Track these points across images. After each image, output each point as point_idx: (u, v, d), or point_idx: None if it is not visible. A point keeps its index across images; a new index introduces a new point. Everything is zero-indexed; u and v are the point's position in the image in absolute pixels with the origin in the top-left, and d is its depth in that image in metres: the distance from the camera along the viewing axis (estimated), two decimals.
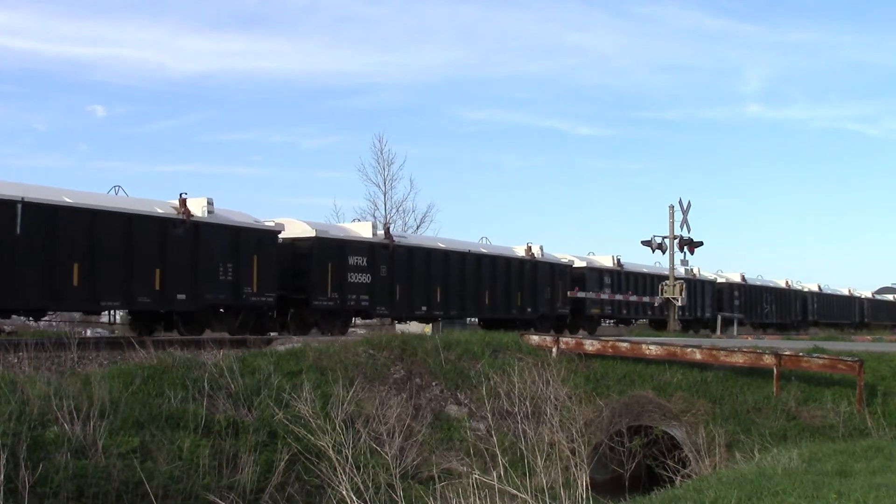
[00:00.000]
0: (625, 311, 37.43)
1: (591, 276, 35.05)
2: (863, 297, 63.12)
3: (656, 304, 37.61)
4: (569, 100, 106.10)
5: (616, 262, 36.62)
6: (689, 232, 37.87)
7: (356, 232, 24.59)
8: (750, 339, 30.41)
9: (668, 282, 36.31)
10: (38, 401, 10.64)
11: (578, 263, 34.77)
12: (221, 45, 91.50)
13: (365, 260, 23.87)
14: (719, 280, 43.38)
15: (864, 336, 35.83)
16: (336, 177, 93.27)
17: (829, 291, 56.87)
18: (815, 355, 16.56)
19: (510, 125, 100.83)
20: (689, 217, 37.58)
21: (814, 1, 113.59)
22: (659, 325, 39.60)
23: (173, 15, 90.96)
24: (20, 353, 13.50)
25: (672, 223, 36.76)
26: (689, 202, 37.73)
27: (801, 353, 16.77)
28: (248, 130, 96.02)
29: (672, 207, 36.96)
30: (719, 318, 40.31)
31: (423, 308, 26.02)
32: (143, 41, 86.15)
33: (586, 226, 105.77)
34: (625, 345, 18.15)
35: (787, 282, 50.70)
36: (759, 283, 47.26)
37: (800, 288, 51.98)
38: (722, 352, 17.17)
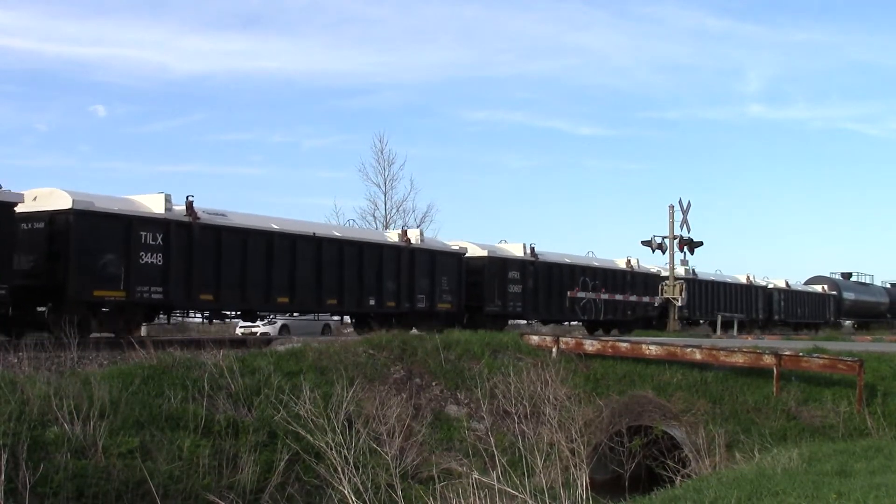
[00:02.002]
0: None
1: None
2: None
3: (656, 304, 36.43)
4: (570, 100, 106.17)
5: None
6: (689, 232, 37.95)
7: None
8: (750, 339, 30.42)
9: (668, 282, 36.31)
10: (38, 401, 10.64)
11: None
12: (222, 45, 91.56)
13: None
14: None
15: (864, 336, 35.86)
16: (337, 177, 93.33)
17: (799, 288, 52.56)
18: (815, 355, 16.57)
19: (511, 125, 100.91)
20: (689, 217, 37.66)
21: (815, 1, 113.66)
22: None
23: (174, 15, 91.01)
24: (20, 353, 13.50)
25: (672, 223, 36.82)
26: (689, 202, 37.79)
27: (801, 353, 16.78)
28: (249, 130, 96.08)
29: (672, 207, 37.03)
30: (719, 318, 40.26)
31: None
32: (144, 41, 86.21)
33: (587, 226, 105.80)
34: (625, 345, 18.18)
35: (748, 277, 45.94)
36: (712, 278, 42.71)
37: (763, 284, 47.09)
38: (722, 352, 17.18)
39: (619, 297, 34.73)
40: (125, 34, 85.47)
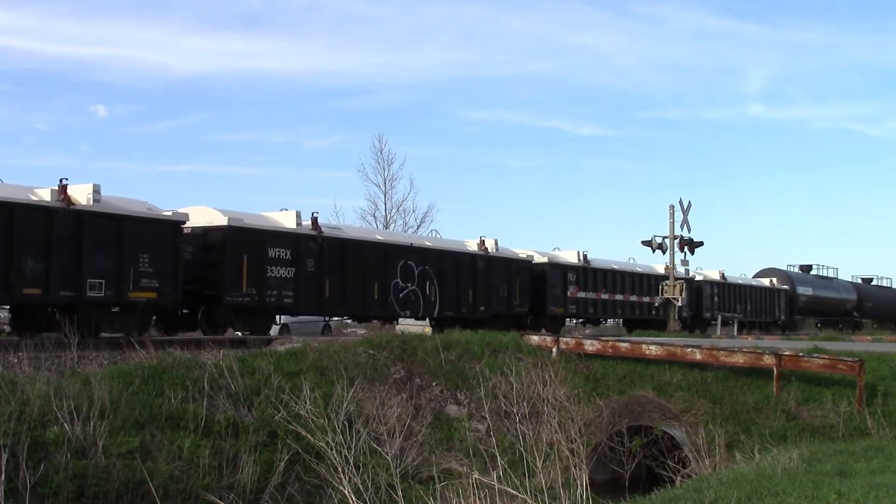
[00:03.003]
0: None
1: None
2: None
3: (656, 304, 36.97)
4: (570, 100, 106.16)
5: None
6: (689, 232, 37.88)
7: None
8: (750, 339, 30.43)
9: (668, 282, 36.27)
10: (38, 401, 10.64)
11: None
12: (223, 45, 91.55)
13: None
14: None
15: (864, 336, 35.86)
16: (338, 177, 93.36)
17: (739, 281, 44.73)
18: (816, 355, 16.58)
19: (512, 125, 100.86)
20: (689, 217, 37.57)
21: (816, 1, 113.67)
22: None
23: (175, 15, 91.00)
24: (20, 353, 13.50)
25: (672, 223, 36.76)
26: (690, 202, 37.68)
27: (801, 353, 16.79)
28: (250, 130, 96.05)
29: (672, 207, 36.97)
30: (719, 317, 40.23)
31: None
32: (145, 41, 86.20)
33: (587, 226, 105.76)
34: (625, 345, 18.18)
35: (666, 267, 37.92)
36: (614, 266, 36.49)
37: (693, 276, 39.95)
38: (722, 352, 17.19)
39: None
40: (126, 34, 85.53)
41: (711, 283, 41.18)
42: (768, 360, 16.38)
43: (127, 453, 10.38)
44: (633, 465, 14.10)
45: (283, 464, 11.41)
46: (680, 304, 36.37)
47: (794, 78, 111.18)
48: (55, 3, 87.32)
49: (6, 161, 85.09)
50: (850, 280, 60.51)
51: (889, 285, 66.51)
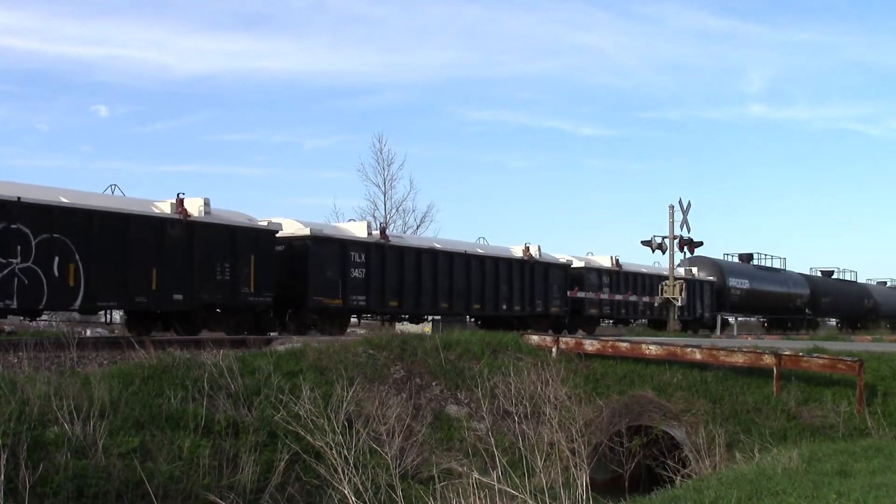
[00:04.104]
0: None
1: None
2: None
3: (656, 304, 37.56)
4: (571, 100, 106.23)
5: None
6: (688, 232, 37.89)
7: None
8: (750, 339, 30.44)
9: (668, 282, 36.28)
10: (38, 401, 10.63)
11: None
12: (224, 45, 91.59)
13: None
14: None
15: (864, 336, 35.87)
16: (338, 177, 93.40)
17: (640, 269, 38.05)
18: (815, 355, 16.58)
19: (512, 125, 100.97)
20: (689, 217, 37.58)
21: (817, 1, 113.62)
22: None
23: (176, 15, 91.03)
24: (20, 353, 13.50)
25: (672, 223, 36.78)
26: (689, 202, 37.67)
27: (801, 353, 16.79)
28: (251, 130, 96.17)
29: (672, 207, 36.98)
30: (719, 317, 40.27)
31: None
32: (146, 41, 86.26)
33: (588, 226, 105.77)
34: (625, 345, 18.16)
35: (526, 247, 31.73)
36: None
37: (561, 260, 33.61)
38: (722, 352, 17.19)
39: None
40: (127, 34, 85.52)
41: (599, 270, 35.32)
42: (768, 359, 16.38)
43: (127, 453, 10.38)
44: (633, 465, 14.09)
45: (282, 464, 11.41)
46: (680, 303, 36.43)
47: (794, 78, 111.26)
48: (56, 4, 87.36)
49: (7, 161, 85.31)
50: (803, 272, 53.51)
51: (854, 279, 60.53)
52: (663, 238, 38.20)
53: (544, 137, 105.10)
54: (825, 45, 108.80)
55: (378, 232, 25.56)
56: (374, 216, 42.84)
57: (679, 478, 11.50)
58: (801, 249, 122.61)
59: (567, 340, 18.98)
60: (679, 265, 41.08)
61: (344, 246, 24.02)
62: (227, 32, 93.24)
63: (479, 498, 8.05)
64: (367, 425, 12.83)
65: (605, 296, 35.09)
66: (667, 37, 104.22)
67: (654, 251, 38.77)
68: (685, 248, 38.99)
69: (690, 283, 40.01)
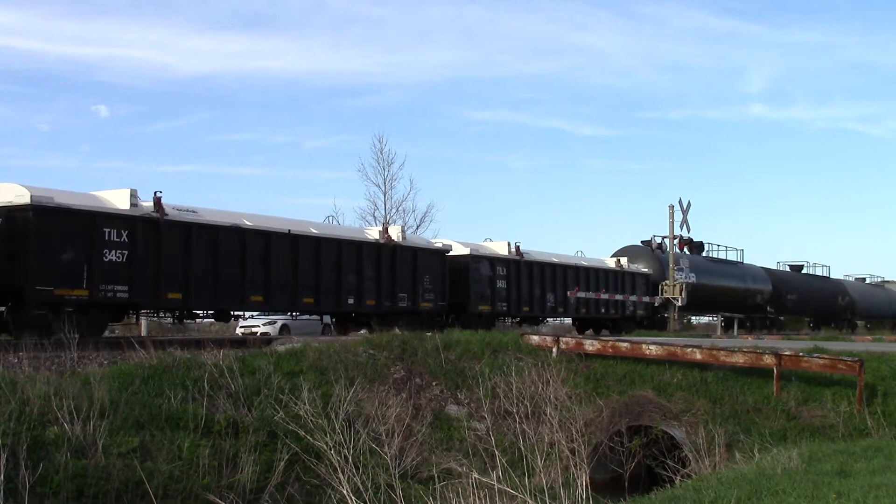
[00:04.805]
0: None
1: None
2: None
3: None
4: (572, 100, 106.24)
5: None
6: (688, 232, 37.92)
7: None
8: (750, 339, 30.43)
9: (668, 282, 36.24)
10: (38, 401, 10.64)
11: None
12: (225, 45, 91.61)
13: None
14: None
15: (864, 336, 35.87)
16: (338, 177, 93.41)
17: (547, 259, 32.61)
18: (816, 355, 16.57)
19: (513, 125, 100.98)
20: (690, 217, 37.58)
21: (817, 1, 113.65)
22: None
23: (177, 15, 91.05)
24: (20, 353, 13.51)
25: (672, 223, 36.78)
26: (689, 202, 37.63)
27: (801, 353, 16.78)
28: (251, 130, 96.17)
29: (672, 207, 36.97)
30: (719, 317, 40.15)
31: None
32: (146, 41, 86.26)
33: (588, 226, 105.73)
34: (625, 345, 18.18)
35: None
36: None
37: (437, 246, 28.18)
38: (722, 352, 17.18)
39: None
40: (128, 34, 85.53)
41: (492, 259, 29.58)
42: (768, 359, 16.37)
43: (127, 453, 10.38)
44: (633, 464, 14.08)
45: (282, 464, 11.41)
46: (670, 302, 36.31)
47: (795, 78, 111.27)
48: (56, 4, 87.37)
49: (8, 162, 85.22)
50: (766, 266, 48.11)
51: (826, 274, 54.38)
52: (663, 238, 38.22)
53: (545, 137, 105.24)
54: (826, 45, 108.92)
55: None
56: (374, 216, 42.81)
57: (679, 478, 11.50)
58: (802, 250, 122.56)
59: (567, 340, 18.99)
60: (616, 254, 38.04)
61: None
62: (227, 32, 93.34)
63: (478, 498, 8.04)
64: (367, 425, 12.84)
65: (501, 288, 29.68)
66: (667, 37, 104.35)
67: (654, 251, 38.83)
68: (685, 248, 39.03)
69: (616, 276, 35.64)
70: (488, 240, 30.99)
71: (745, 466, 10.89)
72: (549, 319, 36.22)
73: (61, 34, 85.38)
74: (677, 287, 35.96)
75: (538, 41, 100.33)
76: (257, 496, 11.11)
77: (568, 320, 37.44)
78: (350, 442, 10.21)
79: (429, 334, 18.91)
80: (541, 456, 10.85)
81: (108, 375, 12.55)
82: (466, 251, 28.70)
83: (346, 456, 9.37)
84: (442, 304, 27.55)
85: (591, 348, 18.30)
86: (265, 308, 24.82)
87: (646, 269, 37.90)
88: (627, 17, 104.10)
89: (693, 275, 39.42)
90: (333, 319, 27.80)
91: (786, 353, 16.71)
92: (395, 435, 12.45)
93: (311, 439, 10.72)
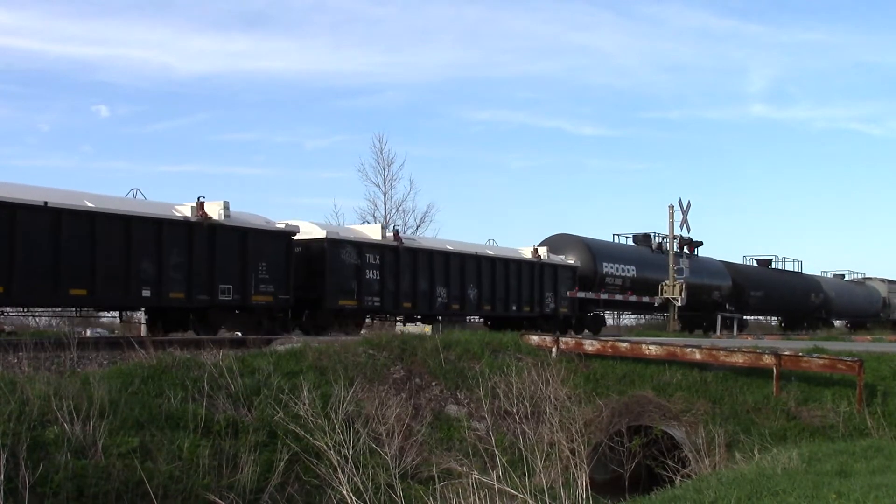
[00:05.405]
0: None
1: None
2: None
3: (656, 304, 35.11)
4: (572, 100, 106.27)
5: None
6: (688, 232, 37.87)
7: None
8: (750, 339, 30.43)
9: (667, 281, 36.24)
10: (38, 401, 10.63)
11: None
12: (225, 45, 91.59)
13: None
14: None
15: (864, 336, 35.85)
16: (339, 177, 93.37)
17: (440, 246, 28.18)
18: (815, 355, 16.57)
19: (514, 125, 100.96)
20: (690, 217, 37.50)
21: (818, 1, 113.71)
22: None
23: (178, 15, 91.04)
24: (20, 353, 13.50)
25: (672, 223, 36.75)
26: (689, 202, 37.53)
27: (800, 353, 16.78)
28: (252, 130, 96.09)
29: (672, 207, 36.95)
30: (719, 318, 40.11)
31: None
32: (147, 41, 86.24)
33: (589, 226, 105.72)
34: (625, 345, 18.20)
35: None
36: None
37: (279, 226, 22.53)
38: (722, 352, 17.19)
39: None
40: (128, 34, 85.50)
41: (359, 245, 24.43)
42: (768, 360, 16.38)
43: (126, 453, 10.38)
44: (633, 465, 14.09)
45: (282, 464, 11.41)
46: (681, 303, 36.20)
47: (796, 78, 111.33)
48: (56, 4, 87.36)
49: (8, 161, 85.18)
50: (726, 260, 44.18)
51: (798, 269, 50.64)
52: (663, 238, 38.21)
53: (545, 137, 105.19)
54: (826, 45, 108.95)
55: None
56: (374, 216, 42.73)
57: (679, 478, 11.50)
58: (802, 250, 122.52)
59: (567, 341, 19.01)
60: (544, 243, 33.43)
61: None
62: (227, 32, 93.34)
63: (478, 498, 8.05)
64: (367, 425, 12.83)
65: (371, 280, 24.60)
66: (668, 37, 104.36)
67: (653, 251, 38.84)
68: (685, 248, 39.03)
69: (532, 268, 31.05)
70: (366, 223, 28.04)
71: (745, 466, 10.89)
72: (441, 318, 28.06)
73: (61, 34, 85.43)
74: (677, 287, 35.92)
75: (538, 41, 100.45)
76: (257, 496, 11.11)
77: (477, 319, 31.58)
78: (350, 442, 10.23)
79: (429, 335, 18.89)
80: (541, 456, 10.86)
81: (107, 375, 12.54)
82: (322, 234, 23.52)
83: (346, 456, 9.38)
84: (284, 298, 21.91)
85: (590, 348, 18.32)
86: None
87: (572, 261, 33.14)
88: (627, 17, 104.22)
89: (632, 268, 35.69)
90: (147, 318, 21.96)
91: (786, 353, 16.72)
92: (395, 435, 12.46)
93: (310, 439, 10.74)
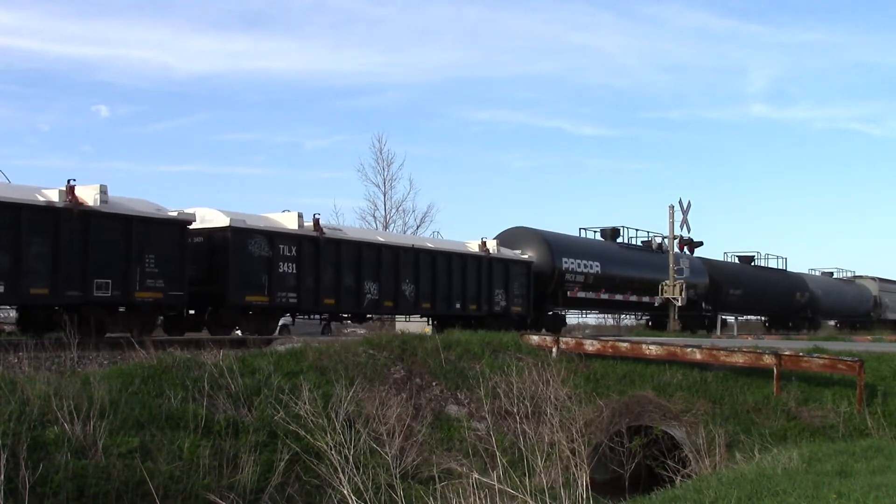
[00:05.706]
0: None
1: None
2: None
3: (656, 304, 34.79)
4: (572, 100, 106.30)
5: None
6: (689, 232, 37.85)
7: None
8: (750, 339, 30.43)
9: (667, 281, 36.20)
10: (38, 401, 10.63)
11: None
12: (225, 45, 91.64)
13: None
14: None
15: (864, 336, 35.84)
16: (338, 177, 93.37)
17: (371, 238, 26.12)
18: (815, 355, 16.57)
19: (514, 125, 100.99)
20: (690, 217, 37.48)
21: (818, 1, 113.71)
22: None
23: (178, 15, 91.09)
24: (20, 353, 13.50)
25: (672, 223, 36.73)
26: (689, 202, 37.49)
27: (801, 353, 16.78)
28: (252, 130, 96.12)
29: (672, 207, 36.93)
30: (719, 318, 40.02)
31: None
32: (147, 41, 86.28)
33: (587, 226, 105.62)
34: (625, 345, 18.20)
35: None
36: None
37: (171, 214, 19.22)
38: (722, 352, 17.18)
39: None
40: (128, 34, 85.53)
41: (271, 235, 21.60)
42: (768, 360, 16.38)
43: (127, 453, 10.38)
44: (633, 465, 14.09)
45: (283, 464, 11.41)
46: (682, 303, 36.11)
47: (796, 78, 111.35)
48: (56, 3, 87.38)
49: (9, 161, 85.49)
50: (702, 257, 40.83)
51: (783, 266, 48.43)
52: (663, 238, 38.20)
53: (545, 137, 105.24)
54: (827, 46, 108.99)
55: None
56: (374, 216, 42.70)
57: (679, 478, 11.50)
58: (802, 250, 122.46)
59: (567, 340, 19.01)
60: (500, 236, 31.15)
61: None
62: (227, 32, 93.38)
63: (479, 498, 8.05)
64: (367, 425, 12.83)
65: (286, 274, 21.79)
66: (668, 37, 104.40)
67: (653, 251, 38.83)
68: (685, 249, 39.02)
69: (480, 263, 28.11)
70: (286, 212, 22.61)
71: (746, 466, 10.89)
72: (372, 317, 26.84)
73: (61, 34, 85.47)
74: (677, 287, 35.89)
75: (538, 41, 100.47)
76: (258, 496, 11.11)
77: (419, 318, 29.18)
78: (350, 442, 10.23)
79: (429, 335, 18.89)
80: (541, 456, 10.87)
81: (108, 375, 12.54)
82: (226, 222, 20.63)
83: (346, 456, 9.38)
84: (176, 295, 19.07)
85: (591, 348, 18.32)
86: None
87: (526, 256, 30.27)
88: (627, 17, 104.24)
89: (596, 264, 32.74)
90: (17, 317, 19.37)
91: (786, 353, 16.72)
92: (396, 435, 12.45)
93: (311, 439, 10.74)
